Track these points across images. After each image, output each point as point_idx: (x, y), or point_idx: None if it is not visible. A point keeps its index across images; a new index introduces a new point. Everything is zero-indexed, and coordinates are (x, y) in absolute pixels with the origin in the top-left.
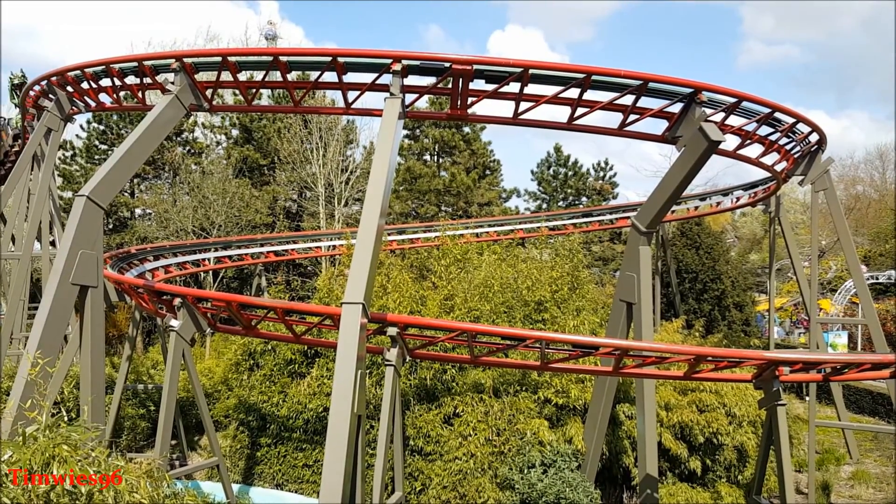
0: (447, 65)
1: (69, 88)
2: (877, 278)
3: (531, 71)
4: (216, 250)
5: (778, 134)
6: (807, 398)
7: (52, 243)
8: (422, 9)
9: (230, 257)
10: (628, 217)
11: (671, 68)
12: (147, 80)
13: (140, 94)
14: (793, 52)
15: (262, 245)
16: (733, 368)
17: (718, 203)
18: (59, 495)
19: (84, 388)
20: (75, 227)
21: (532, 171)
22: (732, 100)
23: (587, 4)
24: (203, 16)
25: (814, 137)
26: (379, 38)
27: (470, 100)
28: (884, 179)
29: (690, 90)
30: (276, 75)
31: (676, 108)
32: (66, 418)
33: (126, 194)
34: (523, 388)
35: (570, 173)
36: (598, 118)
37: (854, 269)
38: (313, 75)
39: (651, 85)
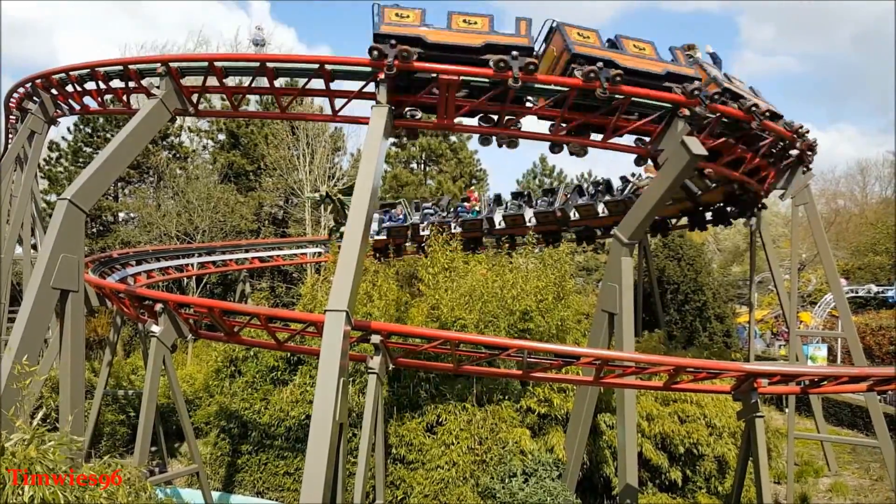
0: (434, 75)
1: (53, 91)
2: (856, 292)
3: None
4: (200, 255)
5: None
6: (786, 410)
7: (35, 246)
8: None
9: (214, 263)
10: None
11: None
12: (132, 84)
13: (125, 98)
14: (789, 63)
15: (246, 251)
16: (713, 380)
17: None
18: None
19: (63, 393)
20: (57, 230)
21: (517, 182)
22: (713, 115)
23: (583, 13)
24: (196, 18)
25: (795, 152)
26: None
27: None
28: (864, 194)
29: (672, 105)
30: (264, 81)
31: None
32: (43, 429)
33: (110, 198)
34: (506, 397)
35: (555, 183)
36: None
37: (833, 283)
38: (301, 82)
39: (634, 99)
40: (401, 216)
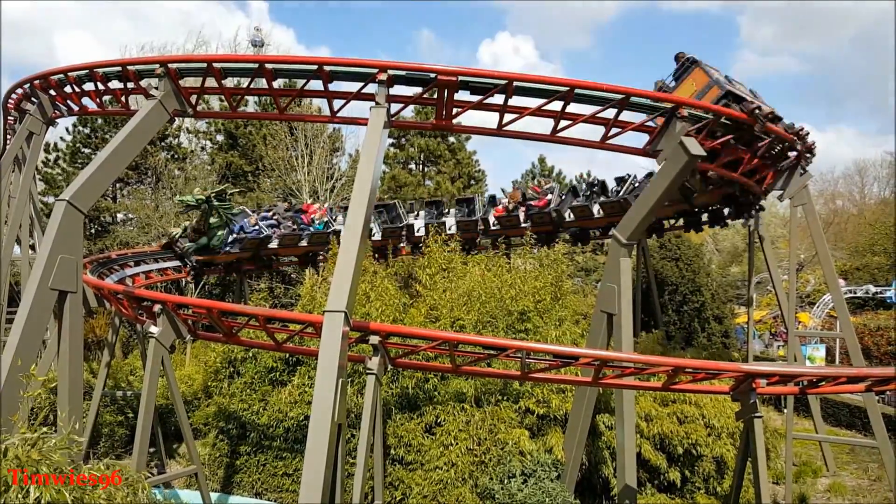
0: (432, 75)
1: (52, 92)
2: (854, 292)
3: (515, 83)
4: None
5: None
6: (785, 410)
7: (32, 247)
8: (414, 13)
9: None
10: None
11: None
12: (131, 85)
13: (124, 99)
14: (789, 63)
15: None
16: (711, 380)
17: None
18: None
19: (62, 394)
20: (55, 231)
21: (515, 182)
22: (712, 116)
23: (584, 13)
24: (195, 19)
25: (793, 153)
26: (370, 41)
27: (455, 110)
28: (862, 194)
29: (671, 105)
30: (262, 82)
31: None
32: (44, 430)
33: (108, 199)
34: (505, 398)
35: (554, 183)
36: (582, 130)
37: (832, 284)
38: (299, 83)
39: (633, 99)
40: (255, 227)
